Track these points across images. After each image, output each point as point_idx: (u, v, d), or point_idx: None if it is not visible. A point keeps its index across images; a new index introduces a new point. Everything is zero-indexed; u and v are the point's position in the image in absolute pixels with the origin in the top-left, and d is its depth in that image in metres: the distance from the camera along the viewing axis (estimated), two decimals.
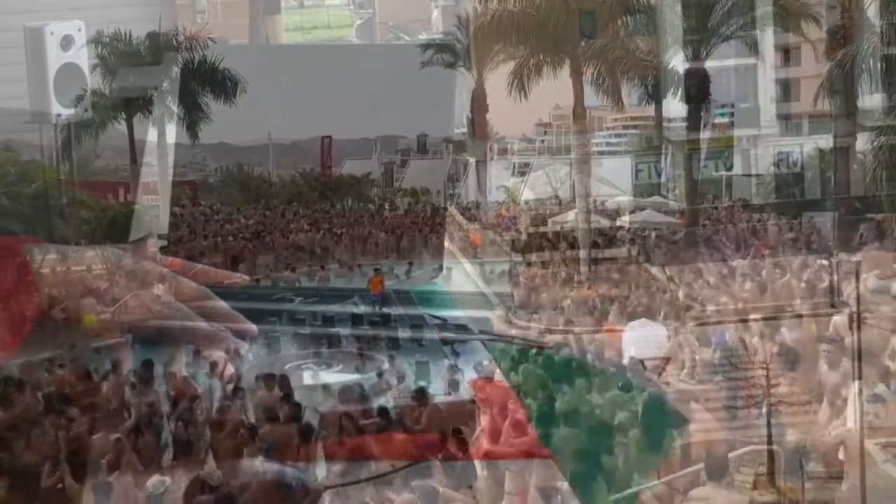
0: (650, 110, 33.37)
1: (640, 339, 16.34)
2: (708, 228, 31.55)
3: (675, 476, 11.20)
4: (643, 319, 17.97)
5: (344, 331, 24.58)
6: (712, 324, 16.72)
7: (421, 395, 15.81)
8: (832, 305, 13.17)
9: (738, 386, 11.89)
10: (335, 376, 20.47)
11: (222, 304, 21.91)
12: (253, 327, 21.41)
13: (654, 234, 31.95)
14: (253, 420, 15.11)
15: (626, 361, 15.63)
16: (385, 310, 26.53)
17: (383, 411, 14.66)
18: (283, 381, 17.51)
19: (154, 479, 11.53)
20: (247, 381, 17.91)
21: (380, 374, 20.50)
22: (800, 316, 14.99)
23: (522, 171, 38.87)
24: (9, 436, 13.78)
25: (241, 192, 39.83)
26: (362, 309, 27.09)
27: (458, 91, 36.71)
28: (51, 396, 16.18)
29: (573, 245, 30.38)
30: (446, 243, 32.54)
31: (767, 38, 31.04)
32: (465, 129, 37.17)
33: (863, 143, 28.51)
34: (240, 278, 29.10)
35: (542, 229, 33.13)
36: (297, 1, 40.61)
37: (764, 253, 26.90)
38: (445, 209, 36.88)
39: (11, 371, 18.60)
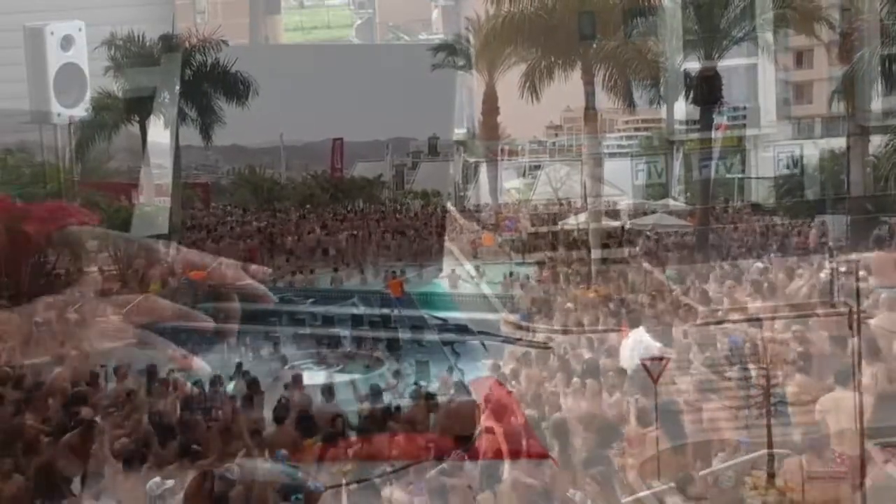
0: (662, 112, 33.30)
1: (639, 341, 16.33)
2: (719, 230, 31.48)
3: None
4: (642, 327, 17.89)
5: (346, 332, 24.67)
6: (717, 324, 16.73)
7: (430, 396, 15.87)
8: (832, 306, 13.18)
9: (739, 386, 11.90)
10: (339, 376, 20.53)
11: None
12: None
13: (663, 235, 31.92)
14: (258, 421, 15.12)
15: (624, 363, 15.64)
16: (406, 312, 26.47)
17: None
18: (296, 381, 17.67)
19: (154, 480, 11.53)
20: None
21: (395, 373, 20.66)
22: (803, 316, 14.99)
23: (533, 173, 38.91)
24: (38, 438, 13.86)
25: (252, 193, 39.94)
26: (378, 311, 27.07)
27: (466, 93, 36.77)
28: (76, 398, 16.17)
29: (579, 246, 30.42)
30: (449, 245, 32.53)
31: (774, 40, 30.96)
32: (473, 131, 37.22)
33: (875, 145, 28.46)
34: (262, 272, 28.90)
35: (549, 230, 33.13)
36: (297, 1, 40.66)
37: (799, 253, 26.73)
38: (459, 210, 36.89)
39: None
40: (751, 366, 12.58)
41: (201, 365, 19.73)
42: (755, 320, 16.12)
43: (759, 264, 23.61)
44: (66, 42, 25.88)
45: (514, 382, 16.44)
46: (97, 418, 14.73)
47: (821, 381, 12.65)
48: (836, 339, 12.73)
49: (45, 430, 14.28)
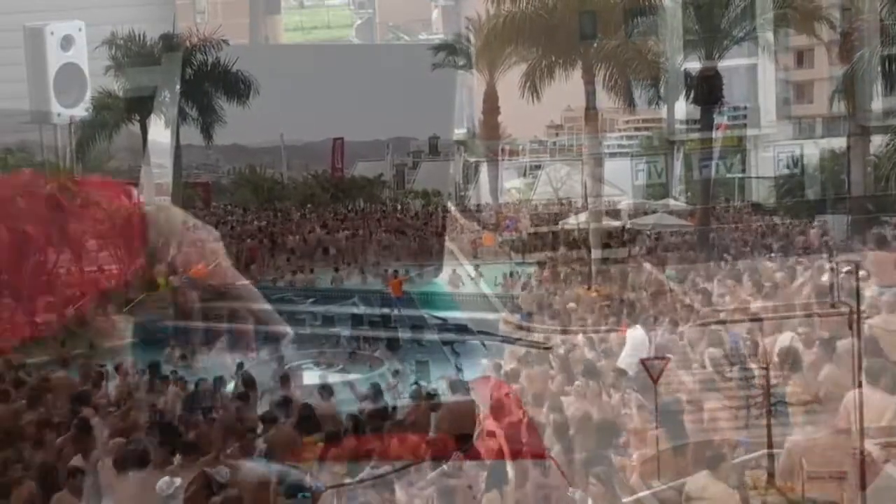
0: (662, 112, 33.30)
1: (638, 341, 16.33)
2: (720, 230, 31.47)
3: (682, 481, 11.13)
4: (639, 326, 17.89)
5: (346, 331, 24.71)
6: (716, 324, 16.70)
7: (430, 396, 15.86)
8: (832, 306, 13.12)
9: (739, 386, 11.90)
10: (339, 376, 20.53)
11: None
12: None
13: (664, 235, 31.94)
14: (259, 420, 15.10)
15: (622, 363, 15.63)
16: (406, 312, 26.51)
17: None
18: (287, 380, 17.69)
19: (164, 480, 11.48)
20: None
21: (395, 373, 20.65)
22: (803, 316, 14.98)
23: (533, 172, 38.94)
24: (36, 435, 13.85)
25: (253, 193, 40.01)
26: (378, 311, 27.08)
27: (467, 92, 36.79)
28: (77, 398, 16.17)
29: (579, 246, 30.42)
30: (450, 245, 32.56)
31: (774, 39, 30.95)
32: (474, 131, 37.24)
33: (875, 145, 28.45)
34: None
35: (548, 230, 33.14)
36: (297, 1, 40.66)
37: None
38: (460, 210, 36.94)
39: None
40: (751, 366, 12.57)
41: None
42: (755, 320, 16.10)
43: (770, 263, 23.51)
44: (66, 42, 25.93)
45: (514, 382, 16.42)
46: (97, 417, 14.73)
47: (820, 380, 12.64)
48: (838, 338, 12.71)
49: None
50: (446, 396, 15.98)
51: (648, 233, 32.26)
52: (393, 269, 30.58)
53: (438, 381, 18.00)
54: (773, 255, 26.50)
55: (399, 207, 39.83)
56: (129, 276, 26.92)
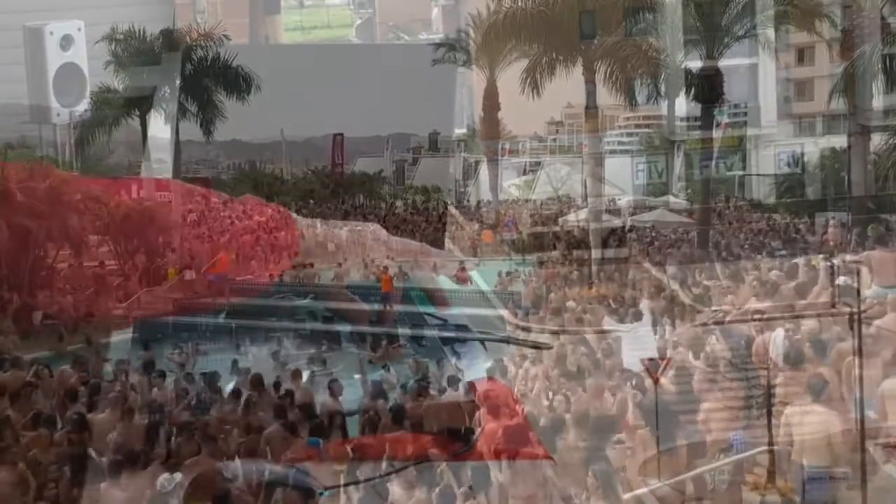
0: (663, 109, 33.25)
1: (638, 340, 16.33)
2: (720, 228, 31.42)
3: (680, 478, 11.14)
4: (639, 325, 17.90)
5: (346, 328, 24.73)
6: (716, 324, 16.68)
7: (422, 391, 15.86)
8: (832, 305, 13.10)
9: (740, 386, 11.89)
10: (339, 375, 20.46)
11: None
12: None
13: (664, 233, 31.91)
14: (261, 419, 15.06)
15: (622, 362, 15.63)
16: (391, 307, 26.52)
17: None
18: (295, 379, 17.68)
19: (164, 476, 11.45)
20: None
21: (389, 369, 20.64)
22: (803, 316, 14.94)
23: (533, 169, 38.95)
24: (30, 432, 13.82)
25: (253, 189, 39.91)
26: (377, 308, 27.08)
27: (466, 91, 36.82)
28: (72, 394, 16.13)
29: (579, 245, 30.36)
30: (449, 244, 32.58)
31: (775, 37, 30.89)
32: (474, 128, 37.25)
33: (875, 143, 28.39)
34: None
35: (548, 229, 33.12)
36: (297, 1, 40.71)
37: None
38: (460, 208, 36.95)
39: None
40: (752, 366, 12.57)
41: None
42: (756, 320, 16.07)
43: (776, 261, 23.39)
44: (66, 42, 25.99)
45: (513, 381, 16.44)
46: (96, 413, 14.70)
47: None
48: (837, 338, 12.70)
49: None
50: (447, 395, 16.02)
51: (648, 230, 32.21)
52: (384, 266, 30.51)
53: (444, 380, 18.01)
54: (775, 252, 26.45)
55: (396, 204, 39.78)
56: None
